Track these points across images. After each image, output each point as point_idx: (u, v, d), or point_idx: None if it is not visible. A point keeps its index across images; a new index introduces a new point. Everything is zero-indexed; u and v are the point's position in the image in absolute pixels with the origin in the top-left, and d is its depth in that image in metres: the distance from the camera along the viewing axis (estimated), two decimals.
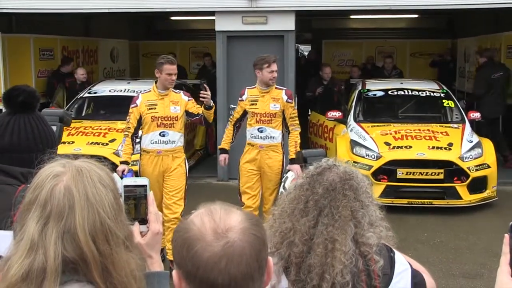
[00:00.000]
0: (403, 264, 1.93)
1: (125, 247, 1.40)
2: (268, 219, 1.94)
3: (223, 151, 6.22)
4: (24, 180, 1.97)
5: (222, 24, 9.28)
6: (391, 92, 9.37)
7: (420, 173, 7.59)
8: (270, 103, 5.91)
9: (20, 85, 2.27)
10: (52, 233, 1.31)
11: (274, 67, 5.90)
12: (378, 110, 9.48)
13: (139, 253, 1.51)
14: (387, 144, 7.85)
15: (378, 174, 7.68)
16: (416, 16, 15.50)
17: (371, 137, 8.09)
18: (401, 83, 9.85)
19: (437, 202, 7.69)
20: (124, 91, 9.36)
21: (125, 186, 1.59)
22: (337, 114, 8.91)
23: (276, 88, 6.00)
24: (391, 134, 8.11)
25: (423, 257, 5.84)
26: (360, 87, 9.63)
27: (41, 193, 1.35)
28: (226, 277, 1.22)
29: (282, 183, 5.60)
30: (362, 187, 1.89)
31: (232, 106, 9.28)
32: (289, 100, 5.95)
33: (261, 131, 5.94)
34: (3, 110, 2.29)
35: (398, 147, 7.82)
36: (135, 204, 1.58)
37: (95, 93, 9.68)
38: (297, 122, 6.05)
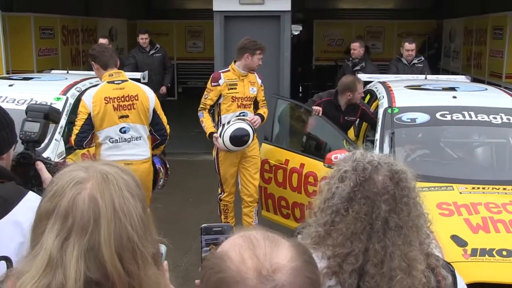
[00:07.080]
0: (461, 281, 1.72)
1: (154, 264, 1.24)
2: (309, 235, 1.69)
3: (214, 133, 5.82)
4: None
5: (219, 4, 9.40)
6: (441, 115, 5.10)
7: None
8: (249, 87, 5.88)
9: None
10: (73, 250, 1.15)
11: (263, 54, 5.91)
12: (424, 154, 5.18)
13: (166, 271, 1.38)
14: (459, 242, 3.64)
15: None
16: None
17: None
18: (454, 96, 5.48)
19: None
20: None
21: None
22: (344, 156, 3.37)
23: (249, 72, 5.96)
24: (460, 213, 3.91)
25: None
26: (385, 102, 5.44)
27: (61, 203, 1.19)
28: None
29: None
30: (412, 185, 1.63)
31: None
32: (262, 83, 5.98)
33: (244, 116, 5.84)
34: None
35: (483, 251, 3.55)
36: None
37: None
38: (266, 102, 6.07)
